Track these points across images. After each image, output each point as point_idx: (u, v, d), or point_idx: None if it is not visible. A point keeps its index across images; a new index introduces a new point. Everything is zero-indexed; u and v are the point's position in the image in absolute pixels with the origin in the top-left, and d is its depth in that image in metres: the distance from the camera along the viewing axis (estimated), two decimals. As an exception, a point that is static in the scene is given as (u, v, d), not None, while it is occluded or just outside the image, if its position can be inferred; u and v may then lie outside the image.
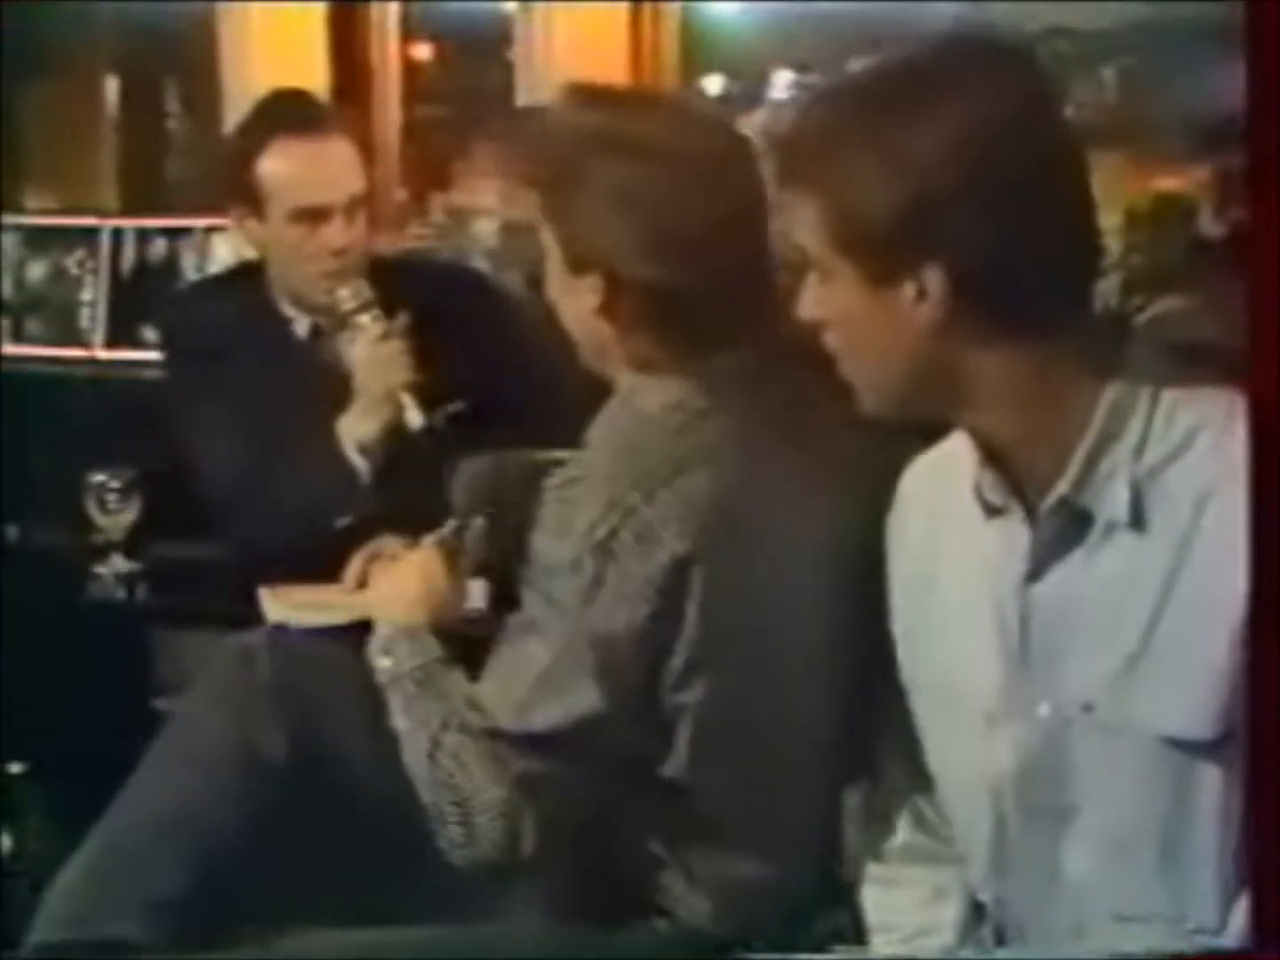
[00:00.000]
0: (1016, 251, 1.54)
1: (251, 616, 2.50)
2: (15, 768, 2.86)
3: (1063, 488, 1.60)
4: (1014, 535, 1.65)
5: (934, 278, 1.55)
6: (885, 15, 3.99)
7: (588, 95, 1.99)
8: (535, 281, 3.81)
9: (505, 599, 2.15)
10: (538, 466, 2.72)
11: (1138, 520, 1.58)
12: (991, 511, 1.67)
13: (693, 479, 1.86)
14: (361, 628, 2.14)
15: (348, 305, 2.84)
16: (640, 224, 1.89)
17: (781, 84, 4.32)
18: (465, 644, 2.05)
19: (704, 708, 1.89)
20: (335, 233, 2.85)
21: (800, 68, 4.28)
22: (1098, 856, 1.65)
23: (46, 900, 2.17)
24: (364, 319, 2.83)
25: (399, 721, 1.97)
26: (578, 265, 1.94)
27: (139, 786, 2.21)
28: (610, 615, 1.85)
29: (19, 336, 4.17)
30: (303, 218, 2.85)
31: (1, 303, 4.20)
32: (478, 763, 1.89)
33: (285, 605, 2.56)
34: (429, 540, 2.22)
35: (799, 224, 1.62)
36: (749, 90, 4.35)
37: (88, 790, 2.25)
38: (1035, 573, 1.64)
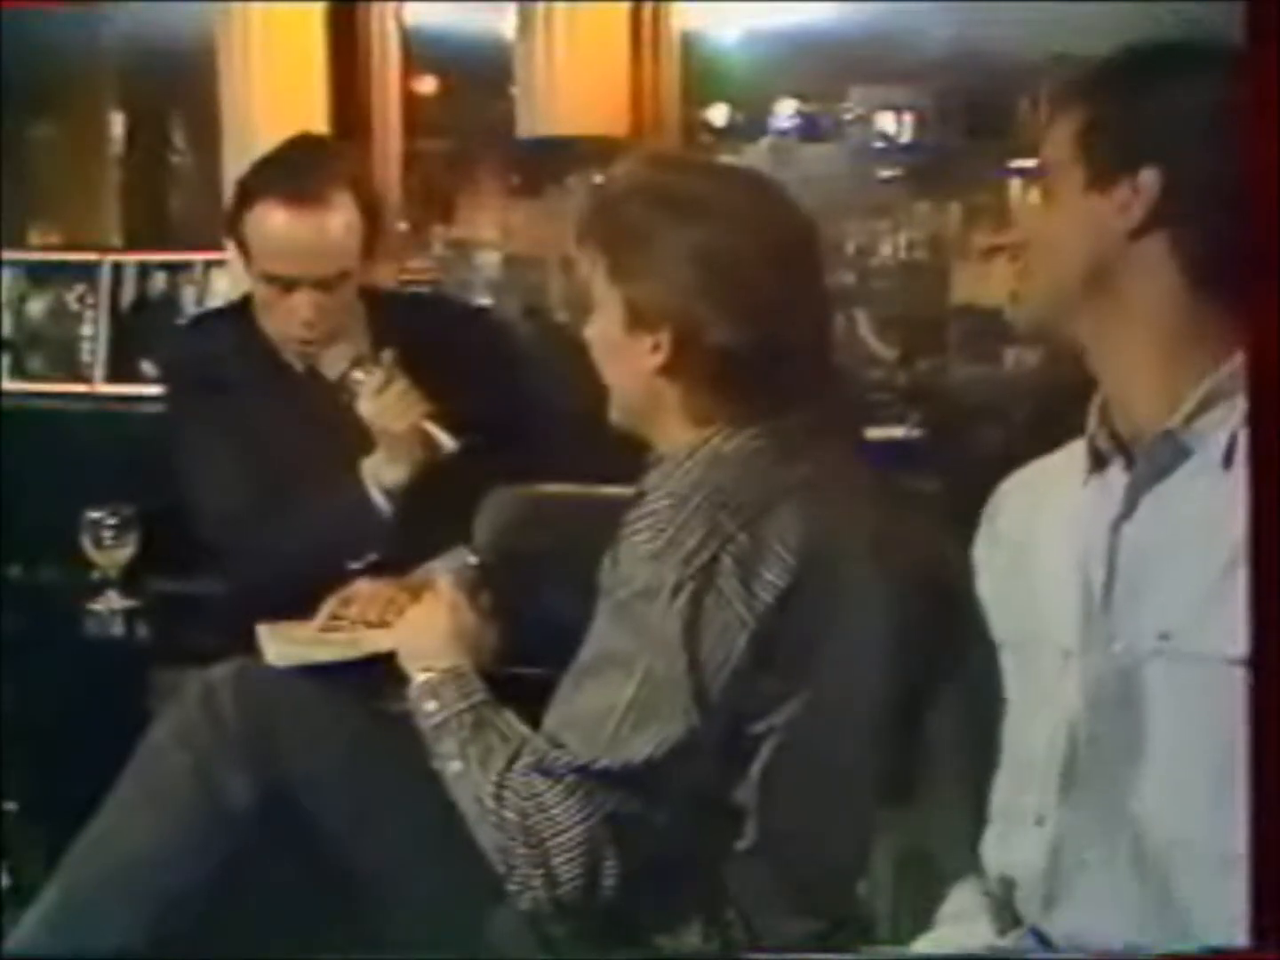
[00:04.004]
0: (1232, 180, 1.60)
1: (251, 653, 2.48)
2: (11, 805, 2.84)
3: (1173, 422, 1.73)
4: (1112, 483, 1.78)
5: (1149, 178, 1.73)
6: (886, 44, 4.00)
7: (652, 159, 2.02)
8: (534, 313, 3.86)
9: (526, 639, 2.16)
10: (557, 502, 2.73)
11: (1229, 461, 1.70)
12: (1097, 463, 1.79)
13: (783, 514, 1.89)
14: (352, 667, 2.13)
15: (337, 370, 2.83)
16: (717, 284, 1.92)
17: (785, 114, 4.32)
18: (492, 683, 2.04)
19: (781, 735, 1.91)
20: (302, 305, 2.84)
21: (803, 97, 4.29)
22: (1162, 788, 1.71)
23: (6, 946, 2.17)
24: (358, 374, 2.82)
25: (451, 765, 1.94)
26: (642, 324, 1.96)
27: (99, 832, 2.20)
28: (708, 640, 1.86)
29: (20, 372, 4.17)
30: (273, 282, 2.85)
31: (1, 338, 4.20)
32: (559, 802, 1.86)
33: (283, 642, 2.54)
34: (446, 579, 2.22)
35: (1055, 145, 1.80)
36: (752, 120, 4.36)
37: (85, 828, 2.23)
38: (1128, 511, 1.76)
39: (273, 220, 2.83)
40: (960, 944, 1.82)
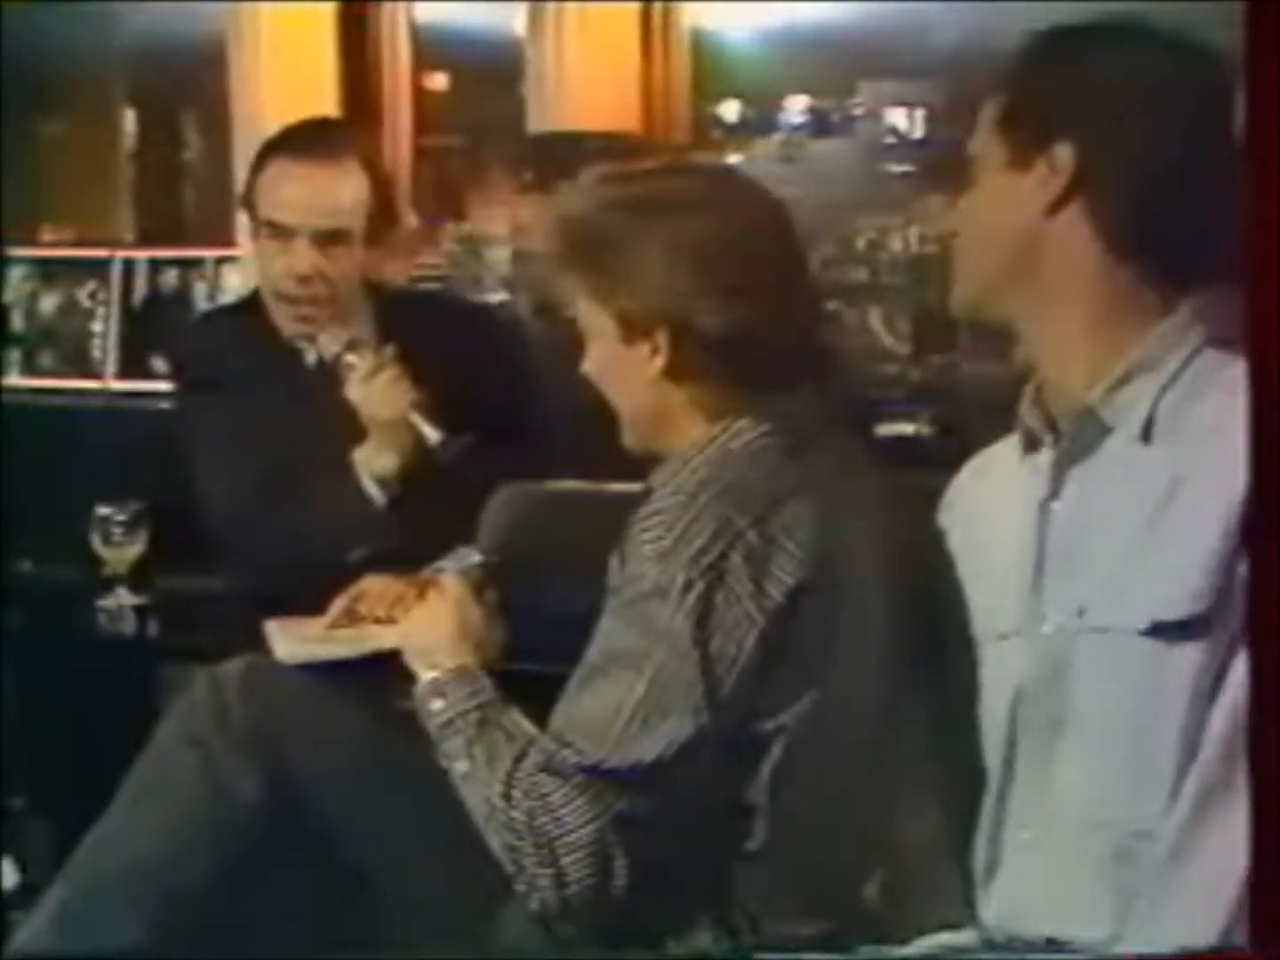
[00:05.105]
0: (1147, 153, 1.74)
1: (259, 649, 2.48)
2: (19, 802, 2.84)
3: (1090, 398, 1.75)
4: (1043, 463, 1.81)
5: (1063, 153, 1.75)
6: (896, 39, 4.00)
7: (603, 178, 2.03)
8: (544, 309, 3.85)
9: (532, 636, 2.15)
10: (564, 499, 2.72)
11: (1147, 436, 1.74)
12: (1030, 444, 1.82)
13: (793, 511, 1.88)
14: (360, 664, 2.13)
15: (331, 350, 2.85)
16: (699, 273, 1.93)
17: (796, 110, 4.32)
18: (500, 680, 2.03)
19: (791, 734, 1.90)
20: (298, 257, 2.86)
21: (813, 93, 4.28)
22: (1086, 768, 1.73)
23: (12, 944, 2.18)
24: (350, 358, 2.83)
25: (457, 765, 1.93)
26: (637, 332, 1.96)
27: (106, 830, 2.20)
28: (717, 638, 1.86)
29: (31, 368, 4.18)
30: (273, 234, 2.89)
31: (13, 335, 4.20)
32: (567, 802, 1.86)
33: (291, 639, 2.53)
34: (452, 577, 2.21)
35: (980, 133, 1.84)
36: (763, 116, 4.36)
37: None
38: (1054, 491, 1.79)
39: (283, 174, 2.88)
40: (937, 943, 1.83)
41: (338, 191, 2.87)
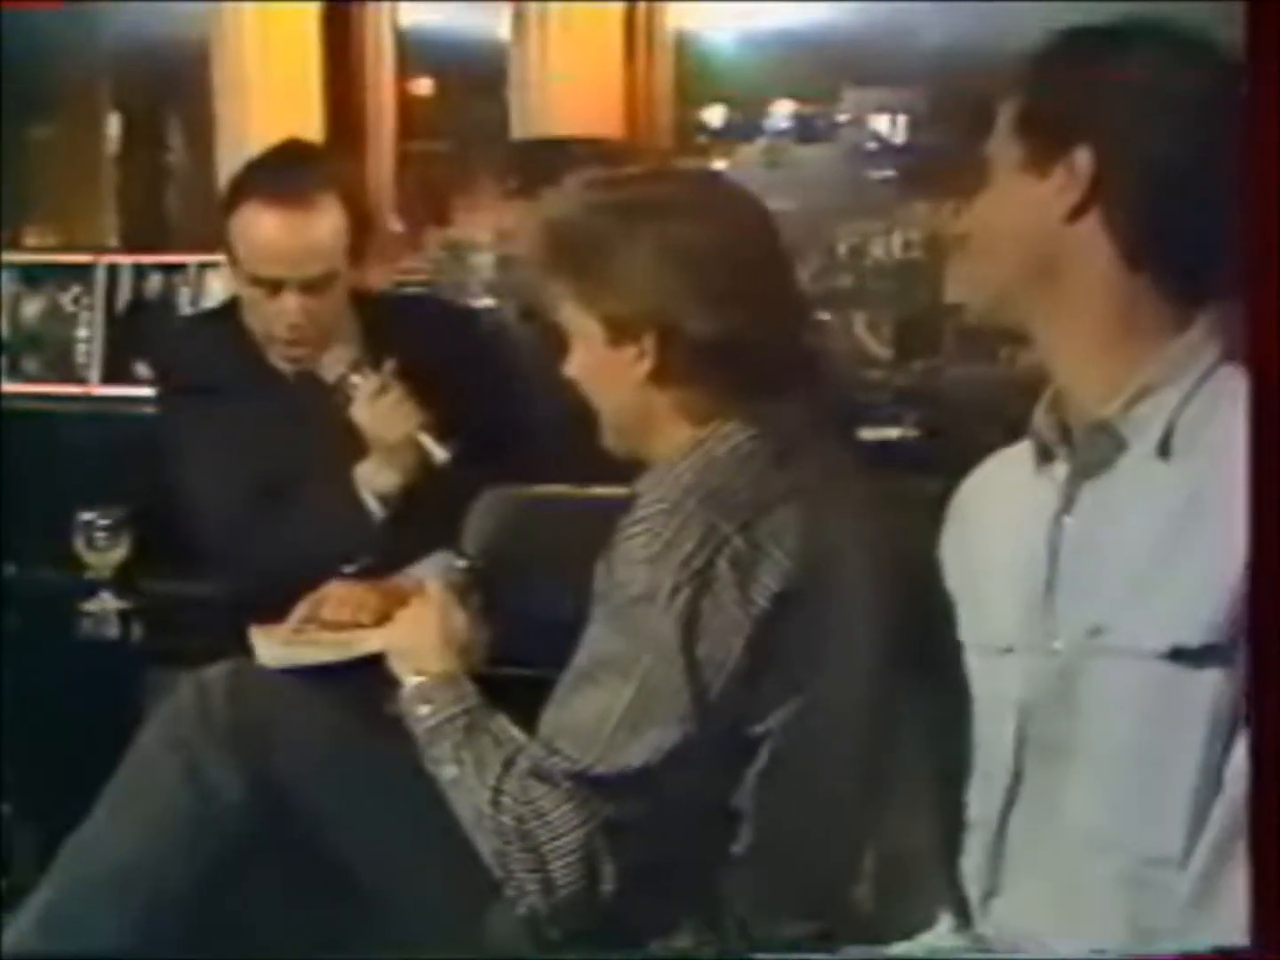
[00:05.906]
0: (1168, 159, 1.72)
1: (243, 655, 2.48)
2: (5, 808, 2.84)
3: (1106, 411, 1.72)
4: (1057, 475, 1.78)
5: (1082, 159, 1.72)
6: (880, 45, 4.01)
7: (588, 183, 2.03)
8: (529, 314, 3.85)
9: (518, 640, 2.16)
10: (549, 503, 2.73)
11: (1164, 451, 1.70)
12: (1044, 455, 1.79)
13: (779, 517, 1.89)
14: (346, 668, 2.14)
15: (335, 373, 2.83)
16: (686, 277, 1.93)
17: (780, 115, 4.33)
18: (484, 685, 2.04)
19: (777, 739, 1.91)
20: (289, 308, 2.84)
21: (797, 98, 4.29)
22: (1094, 788, 1.71)
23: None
24: (355, 379, 2.82)
25: (445, 770, 1.94)
26: (624, 335, 1.96)
27: (90, 833, 2.21)
28: (705, 644, 1.86)
29: (15, 374, 4.16)
30: (259, 284, 2.86)
31: (-3, 340, 4.20)
32: (555, 807, 1.86)
33: (275, 643, 2.53)
34: (436, 582, 2.22)
35: (997, 134, 1.81)
36: (748, 121, 4.37)
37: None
38: (1067, 505, 1.76)
39: (257, 222, 2.83)
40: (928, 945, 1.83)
41: (317, 235, 2.83)
